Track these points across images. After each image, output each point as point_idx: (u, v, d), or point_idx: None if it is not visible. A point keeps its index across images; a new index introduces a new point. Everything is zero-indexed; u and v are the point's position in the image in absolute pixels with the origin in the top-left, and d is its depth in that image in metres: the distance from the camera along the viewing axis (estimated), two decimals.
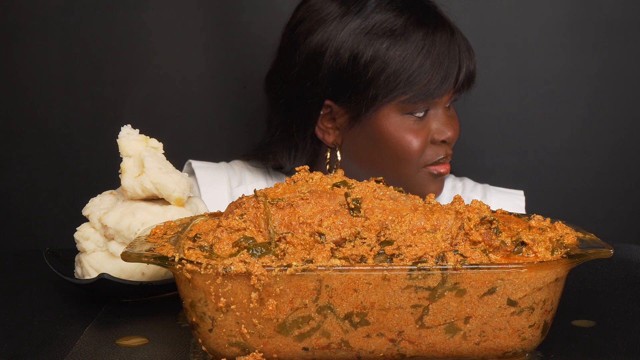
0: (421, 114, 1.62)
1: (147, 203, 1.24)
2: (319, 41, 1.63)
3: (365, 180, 1.06)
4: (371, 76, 1.60)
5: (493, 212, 1.09)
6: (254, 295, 0.92)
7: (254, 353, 0.95)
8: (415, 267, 0.92)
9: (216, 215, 1.14)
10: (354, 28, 1.62)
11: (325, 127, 1.68)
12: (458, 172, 2.08)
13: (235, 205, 1.02)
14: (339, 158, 1.69)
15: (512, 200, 1.86)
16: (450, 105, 1.70)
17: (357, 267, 0.92)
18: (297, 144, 1.71)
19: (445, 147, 1.67)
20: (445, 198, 1.83)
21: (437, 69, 1.60)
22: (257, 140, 1.87)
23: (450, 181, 1.90)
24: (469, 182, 1.91)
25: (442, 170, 1.67)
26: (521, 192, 1.89)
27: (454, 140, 1.68)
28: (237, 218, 0.99)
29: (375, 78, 1.60)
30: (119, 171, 1.25)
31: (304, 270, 0.92)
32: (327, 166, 1.72)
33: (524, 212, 1.84)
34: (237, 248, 0.97)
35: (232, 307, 0.93)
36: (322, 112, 1.67)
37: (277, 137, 1.74)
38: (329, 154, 1.71)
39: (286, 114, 1.71)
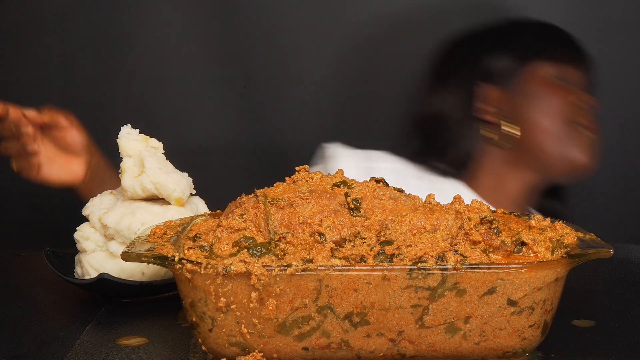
0: (561, 78, 1.84)
1: (147, 203, 1.24)
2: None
3: (365, 180, 1.06)
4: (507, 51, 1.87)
5: (493, 212, 1.10)
6: (254, 295, 0.92)
7: (254, 353, 0.95)
8: (415, 267, 0.92)
9: (216, 215, 1.15)
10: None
11: (480, 107, 1.86)
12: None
13: (235, 205, 1.02)
14: (509, 130, 1.84)
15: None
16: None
17: (357, 267, 0.92)
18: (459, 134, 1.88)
19: (591, 113, 1.85)
20: None
21: (565, 43, 1.91)
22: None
23: None
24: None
25: (591, 130, 1.83)
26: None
27: (596, 110, 1.87)
28: (237, 218, 0.99)
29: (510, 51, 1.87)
30: (119, 171, 1.25)
31: (304, 270, 0.92)
32: (494, 142, 1.86)
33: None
34: (237, 248, 0.97)
35: (232, 307, 0.93)
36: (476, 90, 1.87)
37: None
38: (490, 134, 1.86)
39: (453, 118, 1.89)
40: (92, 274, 1.22)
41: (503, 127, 1.84)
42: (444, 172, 1.89)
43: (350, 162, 1.83)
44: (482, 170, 1.88)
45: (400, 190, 1.06)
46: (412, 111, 2.00)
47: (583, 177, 1.86)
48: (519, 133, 1.83)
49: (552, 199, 1.98)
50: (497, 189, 1.87)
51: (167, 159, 1.27)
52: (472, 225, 0.97)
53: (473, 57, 1.90)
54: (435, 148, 1.92)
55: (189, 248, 0.99)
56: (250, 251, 0.95)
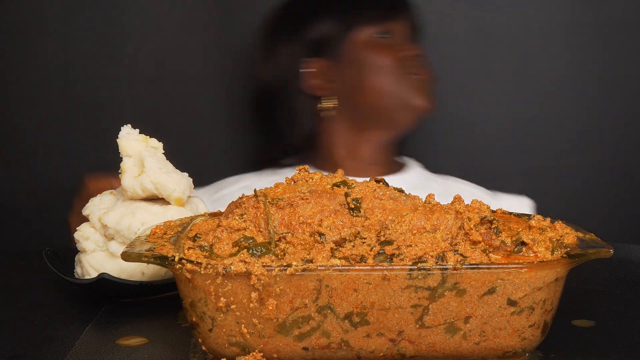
0: (387, 34, 1.88)
1: (147, 203, 1.24)
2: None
3: (365, 180, 1.06)
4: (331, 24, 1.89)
5: (493, 212, 1.10)
6: (254, 295, 0.92)
7: (254, 353, 0.95)
8: (415, 267, 0.92)
9: (216, 215, 1.14)
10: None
11: (313, 83, 1.90)
12: (459, 171, 2.08)
13: (235, 205, 1.02)
14: (331, 105, 1.90)
15: (519, 206, 1.98)
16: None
17: (357, 267, 0.92)
18: (295, 110, 1.92)
19: (419, 61, 1.89)
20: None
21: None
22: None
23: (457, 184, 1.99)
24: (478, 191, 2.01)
25: (423, 77, 1.89)
26: (525, 198, 2.01)
27: (423, 56, 1.91)
28: (237, 218, 0.99)
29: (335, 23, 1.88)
30: (119, 171, 1.25)
31: (304, 270, 0.92)
32: (328, 114, 1.90)
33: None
34: (237, 248, 0.97)
35: (232, 307, 0.93)
36: (306, 70, 1.89)
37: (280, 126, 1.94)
38: (325, 104, 1.90)
39: (280, 98, 1.93)
40: (92, 274, 1.22)
41: (323, 104, 1.90)
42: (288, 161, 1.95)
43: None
44: (332, 144, 1.93)
45: (400, 190, 1.06)
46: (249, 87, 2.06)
47: (425, 118, 1.93)
48: (335, 103, 1.90)
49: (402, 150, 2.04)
50: (352, 157, 1.93)
51: (167, 159, 1.27)
52: (472, 225, 0.97)
53: (296, 28, 1.93)
54: (276, 133, 1.96)
55: (189, 248, 0.99)
56: (250, 251, 0.95)
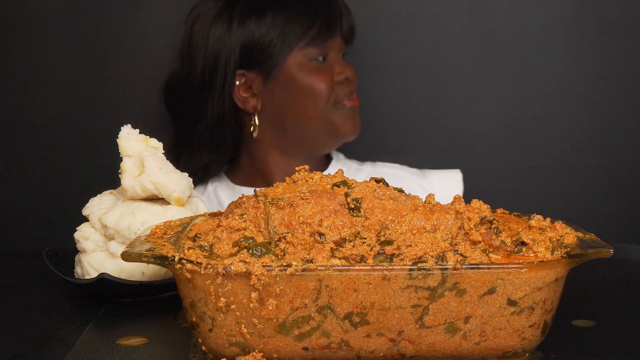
0: (321, 58, 1.88)
1: (147, 203, 1.24)
2: (216, 28, 1.86)
3: (365, 180, 1.06)
4: (270, 38, 1.85)
5: (493, 212, 1.10)
6: (254, 295, 0.92)
7: (254, 353, 0.95)
8: (415, 267, 0.92)
9: (216, 215, 1.14)
10: (242, 7, 1.86)
11: (243, 96, 1.89)
12: (460, 170, 2.08)
13: (235, 205, 1.02)
14: (257, 122, 1.89)
15: (450, 180, 2.01)
16: (343, 55, 1.95)
17: (357, 267, 0.92)
18: (219, 124, 1.88)
19: (350, 86, 1.91)
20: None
21: (322, 17, 1.87)
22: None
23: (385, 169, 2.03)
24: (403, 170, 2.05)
25: (352, 104, 1.90)
26: (458, 171, 2.03)
27: (354, 79, 1.92)
28: (237, 218, 0.99)
29: (273, 38, 1.85)
30: (119, 171, 1.25)
31: (304, 270, 0.92)
32: (254, 132, 1.89)
33: (461, 190, 1.99)
34: (237, 248, 0.97)
35: (232, 307, 0.93)
36: (237, 83, 1.87)
37: (199, 131, 1.90)
38: (256, 120, 1.89)
39: (200, 101, 1.88)
40: (92, 274, 1.22)
41: (255, 120, 1.89)
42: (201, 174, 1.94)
43: None
44: (267, 165, 1.94)
45: (400, 191, 1.06)
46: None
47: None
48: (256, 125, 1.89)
49: None
50: (264, 175, 1.95)
51: (167, 159, 1.27)
52: (472, 225, 0.97)
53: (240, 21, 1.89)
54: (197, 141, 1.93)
55: (189, 248, 0.99)
56: (250, 251, 0.95)
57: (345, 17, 1.92)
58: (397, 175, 1.99)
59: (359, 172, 2.00)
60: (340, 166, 2.00)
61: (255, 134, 1.89)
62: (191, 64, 1.89)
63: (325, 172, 1.90)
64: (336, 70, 1.89)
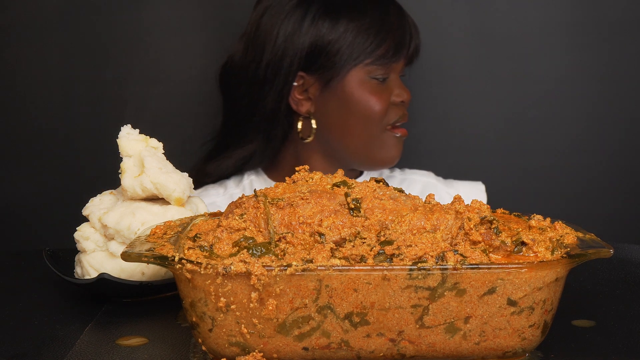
0: (382, 79, 1.84)
1: (147, 203, 1.24)
2: (289, 23, 1.82)
3: (365, 180, 1.06)
4: (339, 46, 1.81)
5: (493, 212, 1.10)
6: (254, 295, 0.92)
7: (254, 353, 0.95)
8: (415, 267, 0.92)
9: (216, 215, 1.14)
10: (318, 7, 1.83)
11: (297, 98, 1.85)
12: (459, 170, 2.08)
13: (235, 205, 1.02)
14: (314, 126, 1.86)
15: (475, 191, 2.01)
16: (402, 74, 1.92)
17: (357, 267, 0.92)
18: (272, 119, 1.86)
19: (402, 108, 1.88)
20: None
21: (393, 37, 1.84)
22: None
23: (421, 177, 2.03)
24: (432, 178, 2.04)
25: (400, 134, 1.89)
26: (480, 183, 2.03)
27: (408, 102, 1.90)
28: (237, 218, 0.99)
29: (342, 47, 1.81)
30: (119, 171, 1.25)
31: (304, 270, 0.92)
32: (300, 135, 1.88)
33: (485, 201, 1.99)
34: (237, 248, 0.97)
35: (232, 307, 0.93)
36: (295, 84, 1.84)
37: (253, 123, 1.87)
38: (300, 125, 1.87)
39: (259, 94, 1.85)
40: (92, 274, 1.22)
41: (313, 126, 1.87)
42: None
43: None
44: (294, 159, 1.92)
45: (400, 191, 1.06)
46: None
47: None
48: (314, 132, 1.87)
49: None
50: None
51: (167, 159, 1.27)
52: (472, 225, 0.97)
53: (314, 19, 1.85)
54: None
55: (189, 248, 0.99)
56: (250, 251, 0.95)
57: (414, 38, 1.89)
58: (427, 183, 1.97)
59: (390, 180, 1.99)
60: (373, 172, 1.98)
61: (310, 139, 1.87)
62: (256, 54, 1.85)
63: (360, 179, 1.93)
64: (394, 92, 1.86)
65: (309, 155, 1.91)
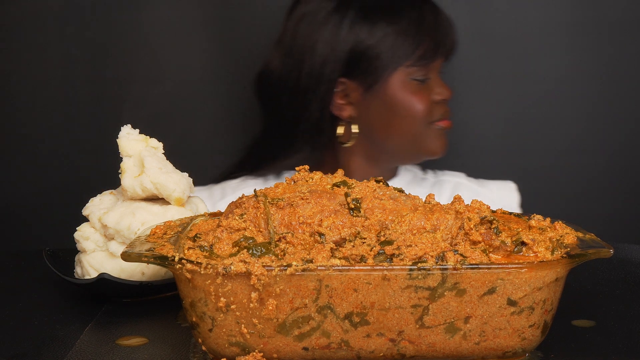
0: (422, 80, 1.85)
1: (147, 203, 1.24)
2: (326, 30, 1.83)
3: (365, 180, 1.06)
4: (378, 51, 1.81)
5: (493, 211, 1.10)
6: (254, 295, 0.92)
7: (254, 353, 0.95)
8: (415, 267, 0.92)
9: (216, 215, 1.14)
10: (355, 12, 1.83)
11: (339, 104, 1.86)
12: (459, 170, 2.08)
13: (235, 205, 1.02)
14: (356, 130, 1.87)
15: (507, 189, 2.02)
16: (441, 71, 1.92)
17: (357, 267, 0.92)
18: (318, 128, 1.87)
19: (444, 105, 1.89)
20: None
21: (430, 37, 1.84)
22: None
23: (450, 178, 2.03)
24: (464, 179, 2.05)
25: (445, 125, 1.89)
26: (511, 182, 2.04)
27: (449, 99, 1.90)
28: (237, 218, 0.99)
29: (382, 52, 1.81)
30: (119, 171, 1.25)
31: (304, 270, 0.92)
32: (339, 140, 1.88)
33: (518, 200, 2.01)
34: (237, 248, 0.97)
35: (232, 307, 0.93)
36: (336, 90, 1.84)
37: (299, 134, 1.87)
38: (341, 129, 1.88)
39: (302, 103, 1.85)
40: (92, 274, 1.22)
41: (353, 130, 1.87)
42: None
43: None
44: (334, 162, 1.92)
45: (400, 191, 1.06)
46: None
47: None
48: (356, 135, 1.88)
49: None
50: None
51: (167, 159, 1.27)
52: (472, 225, 0.97)
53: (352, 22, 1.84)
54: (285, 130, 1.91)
55: (189, 248, 0.99)
56: (250, 251, 0.95)
57: (450, 35, 1.90)
58: (460, 184, 1.98)
59: (423, 181, 1.99)
60: (407, 173, 1.99)
61: (351, 143, 1.87)
62: (295, 64, 1.85)
63: (395, 179, 1.95)
64: (435, 91, 1.86)
65: (348, 158, 1.91)
